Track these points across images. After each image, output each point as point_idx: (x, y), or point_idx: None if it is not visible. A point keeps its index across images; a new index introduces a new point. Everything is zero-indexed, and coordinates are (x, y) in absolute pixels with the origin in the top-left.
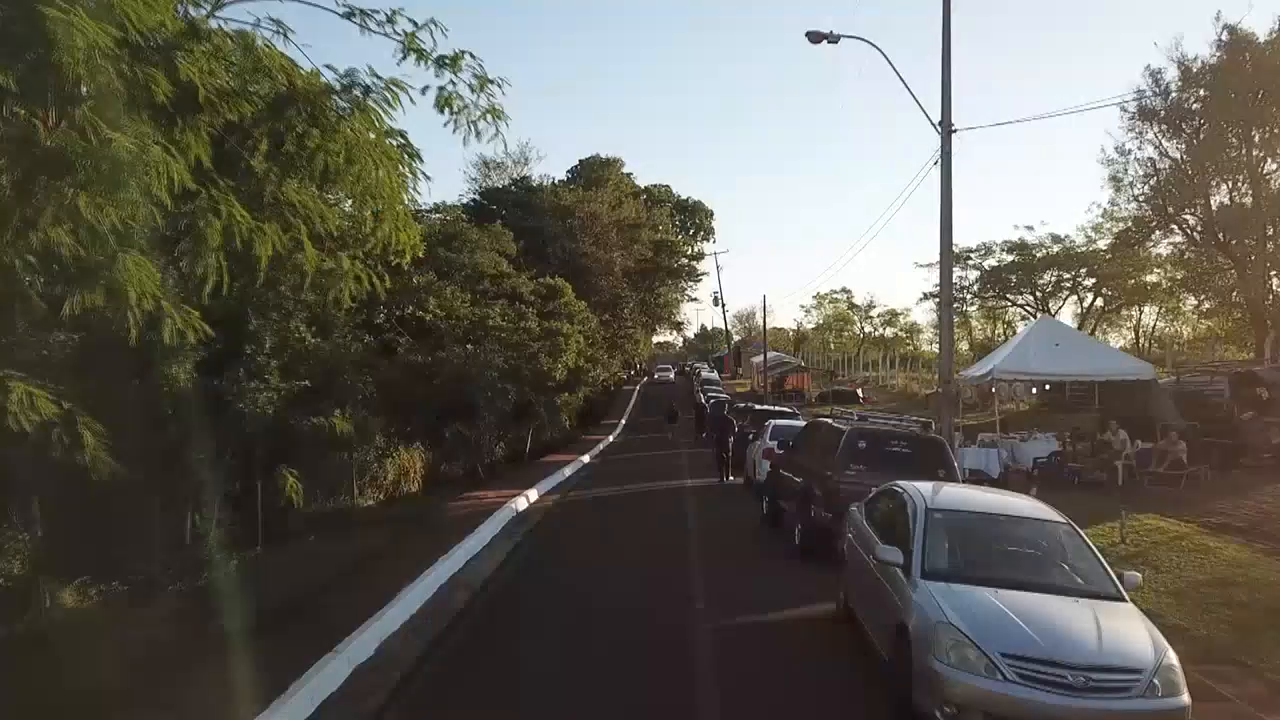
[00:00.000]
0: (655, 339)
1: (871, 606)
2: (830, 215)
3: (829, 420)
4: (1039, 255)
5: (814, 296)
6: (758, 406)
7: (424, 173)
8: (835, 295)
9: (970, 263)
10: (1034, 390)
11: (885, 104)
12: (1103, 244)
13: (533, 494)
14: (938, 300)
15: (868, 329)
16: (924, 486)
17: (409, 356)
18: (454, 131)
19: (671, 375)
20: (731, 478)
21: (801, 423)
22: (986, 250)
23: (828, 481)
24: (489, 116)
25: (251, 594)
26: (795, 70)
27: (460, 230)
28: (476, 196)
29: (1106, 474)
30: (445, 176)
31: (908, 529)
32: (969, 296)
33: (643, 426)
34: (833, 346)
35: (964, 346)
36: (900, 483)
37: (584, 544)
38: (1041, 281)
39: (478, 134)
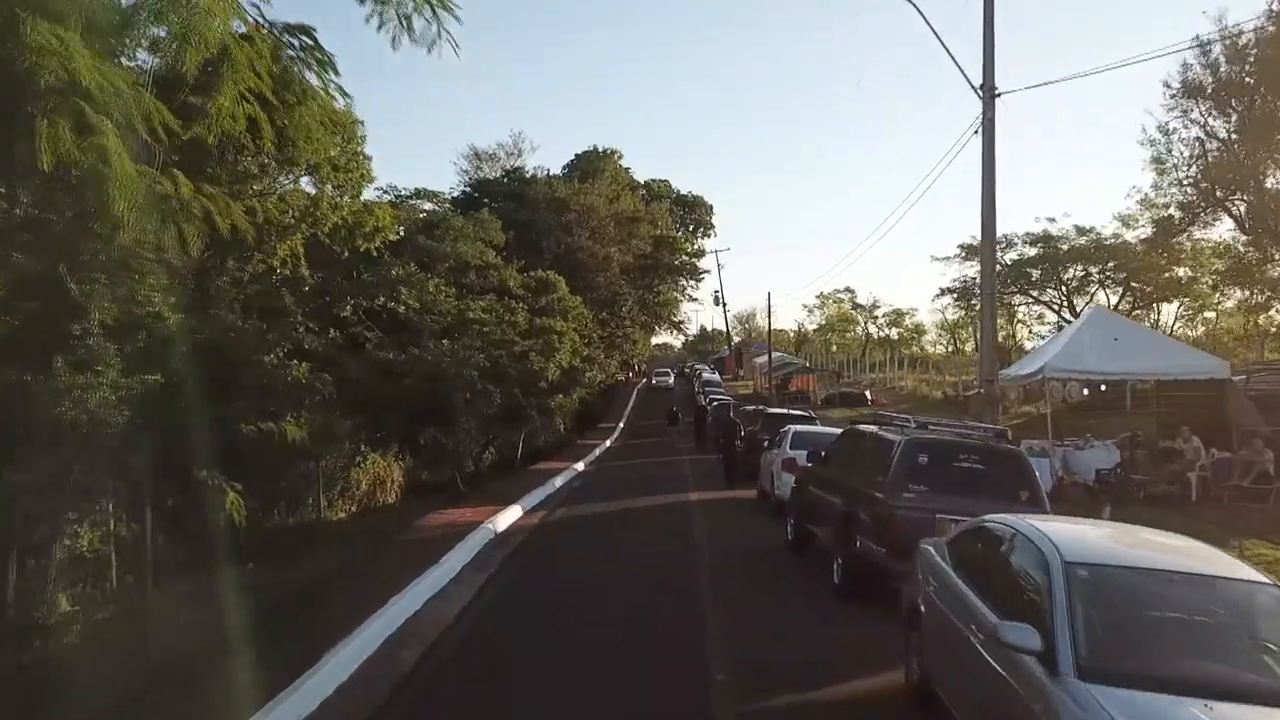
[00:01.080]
0: (654, 340)
1: (978, 703)
2: (831, 214)
3: (874, 428)
4: (1064, 248)
5: (817, 296)
6: (769, 410)
7: (340, 86)
8: (838, 295)
9: None
10: (1085, 391)
11: (889, 96)
12: (1131, 236)
13: (514, 511)
14: (956, 294)
15: (871, 329)
16: (1049, 527)
17: (377, 353)
18: (379, 29)
19: (670, 380)
20: (737, 483)
21: (821, 427)
22: (1007, 243)
23: (879, 506)
24: (427, 8)
25: (107, 666)
26: (794, 67)
27: (443, 217)
28: (467, 189)
29: (1177, 487)
30: (439, 172)
31: (1038, 593)
32: None
33: (641, 431)
34: (835, 347)
35: (970, 347)
36: (1005, 517)
37: (569, 580)
38: (1066, 276)
39: (410, 30)
